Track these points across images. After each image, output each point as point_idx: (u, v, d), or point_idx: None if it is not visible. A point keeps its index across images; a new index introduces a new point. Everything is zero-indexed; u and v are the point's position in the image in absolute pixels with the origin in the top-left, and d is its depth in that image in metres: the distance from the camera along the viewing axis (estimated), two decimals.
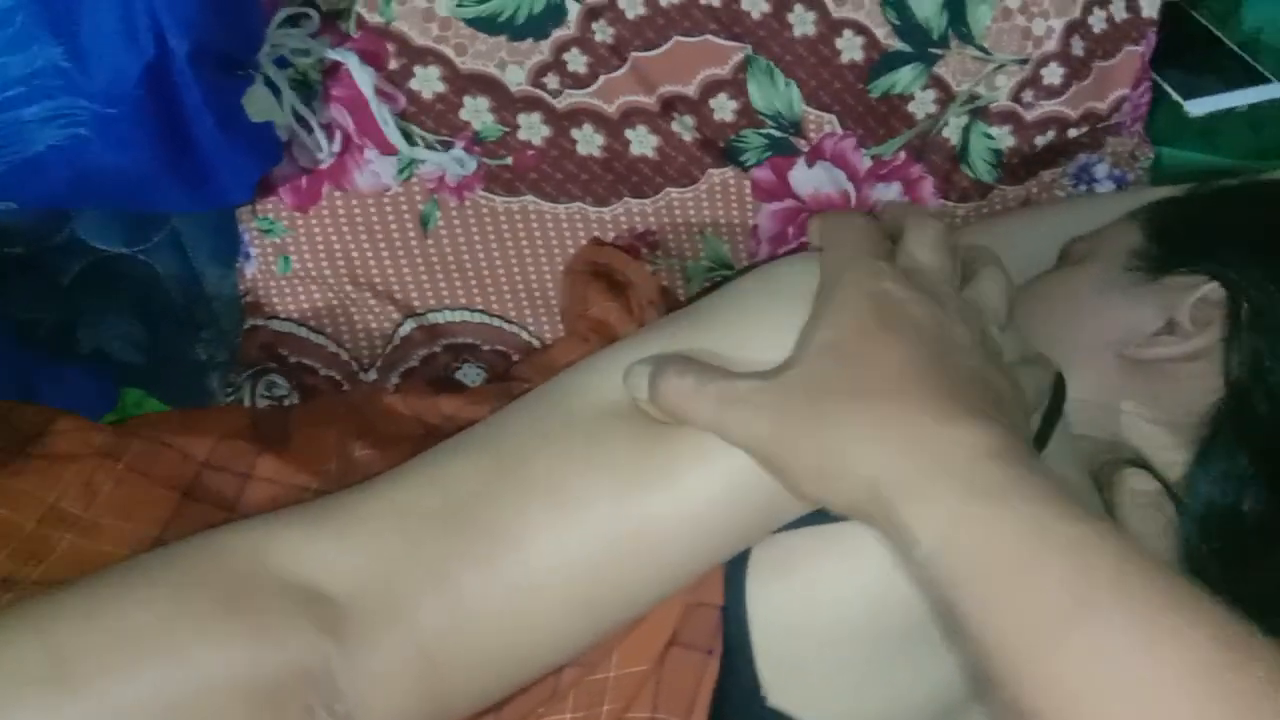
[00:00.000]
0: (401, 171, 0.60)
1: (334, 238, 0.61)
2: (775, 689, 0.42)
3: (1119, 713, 0.30)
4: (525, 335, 0.64)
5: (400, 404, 0.52)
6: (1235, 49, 0.73)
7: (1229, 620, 0.31)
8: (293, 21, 0.58)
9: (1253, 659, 0.29)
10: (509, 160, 0.60)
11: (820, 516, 0.41)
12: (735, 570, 0.42)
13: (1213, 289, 0.47)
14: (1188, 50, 0.72)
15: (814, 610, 0.41)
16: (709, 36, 0.60)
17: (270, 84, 0.56)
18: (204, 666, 0.35)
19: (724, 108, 0.62)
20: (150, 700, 0.34)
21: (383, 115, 0.58)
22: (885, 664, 0.42)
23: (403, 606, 0.38)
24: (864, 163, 0.64)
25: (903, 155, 0.65)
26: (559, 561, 0.39)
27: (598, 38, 0.59)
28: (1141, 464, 0.48)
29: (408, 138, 0.59)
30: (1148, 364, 0.48)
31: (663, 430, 0.40)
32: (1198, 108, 0.70)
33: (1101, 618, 0.31)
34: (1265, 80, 0.71)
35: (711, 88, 0.61)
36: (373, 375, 0.62)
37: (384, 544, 0.38)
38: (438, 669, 0.38)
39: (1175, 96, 0.70)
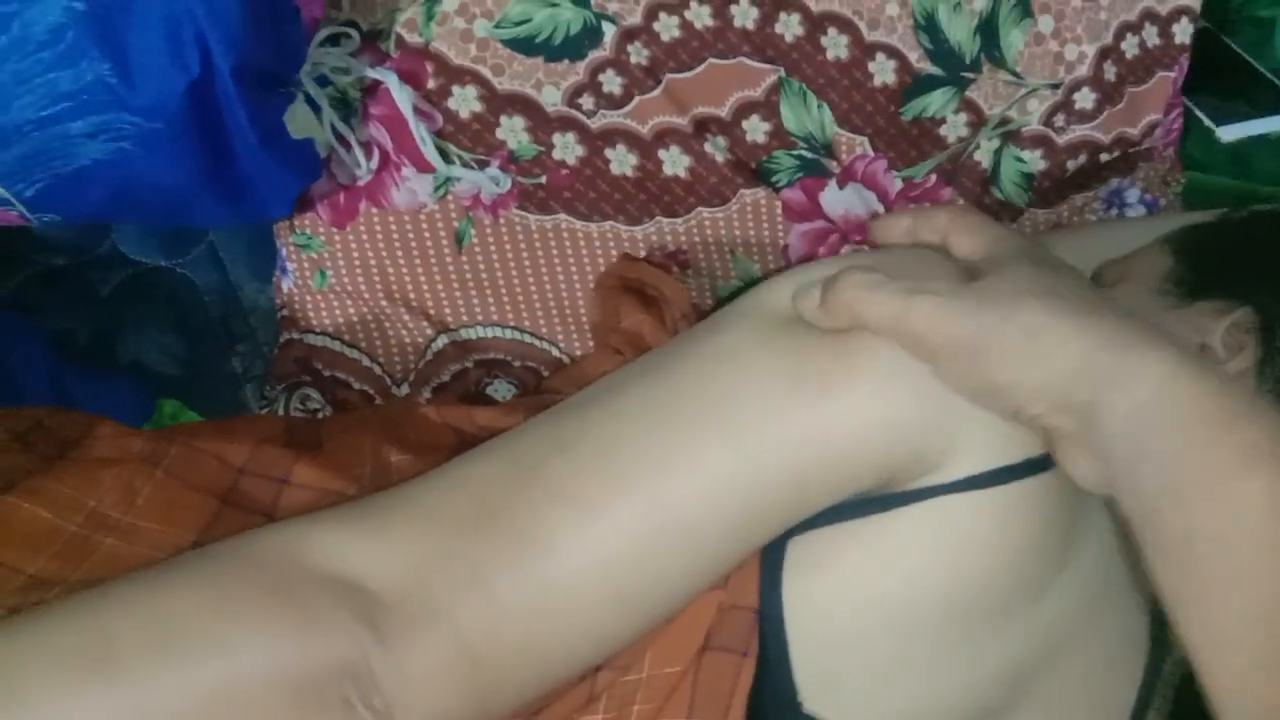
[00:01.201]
0: (438, 189, 0.61)
1: (370, 254, 0.61)
2: (811, 695, 0.42)
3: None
4: (556, 352, 0.64)
5: (434, 414, 0.52)
6: (1269, 75, 0.73)
7: None
8: (334, 41, 0.59)
9: None
10: (543, 179, 0.61)
11: (849, 511, 0.41)
12: (770, 571, 0.42)
13: (1245, 314, 0.47)
14: (1220, 76, 0.72)
15: (851, 606, 0.42)
16: (742, 59, 0.61)
17: (311, 102, 0.57)
18: (247, 654, 0.36)
19: (756, 129, 0.62)
20: (194, 685, 0.35)
21: (420, 134, 0.59)
22: (922, 661, 0.42)
23: (441, 606, 0.38)
24: (895, 185, 0.64)
25: (934, 178, 0.65)
26: (587, 560, 0.40)
27: (633, 59, 0.60)
28: None
29: (444, 156, 0.60)
30: None
31: (680, 418, 0.40)
32: (1229, 134, 0.70)
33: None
34: None
35: (744, 109, 0.62)
36: (405, 390, 0.63)
37: (419, 547, 0.39)
38: (477, 667, 0.38)
39: (1207, 122, 0.71)
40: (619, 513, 0.40)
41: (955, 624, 0.41)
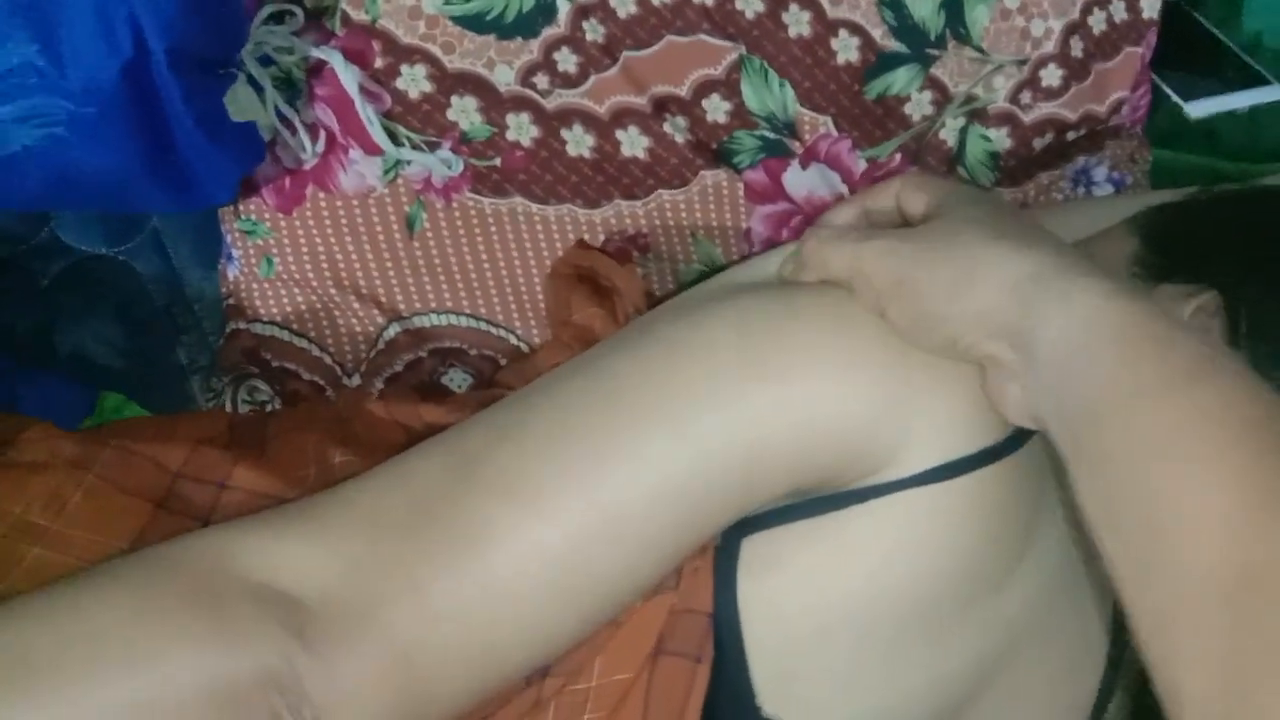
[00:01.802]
0: (387, 172, 0.59)
1: (318, 239, 0.59)
2: (770, 697, 0.41)
3: (1191, 450, 0.34)
4: (514, 339, 0.63)
5: (382, 410, 0.51)
6: (1236, 50, 0.72)
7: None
8: (277, 19, 0.56)
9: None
10: (497, 161, 0.59)
11: (804, 510, 0.40)
12: (724, 574, 0.41)
13: (1211, 297, 0.46)
14: (1188, 52, 0.71)
15: (808, 607, 0.41)
16: (702, 36, 0.59)
17: (253, 82, 0.55)
18: (167, 668, 0.35)
19: (717, 109, 0.61)
20: (111, 702, 0.34)
21: (368, 115, 0.57)
22: (883, 659, 0.42)
23: (373, 611, 0.37)
24: (859, 165, 0.63)
25: (898, 157, 0.64)
26: (527, 556, 0.39)
27: (588, 37, 0.58)
28: None
29: (393, 138, 0.58)
30: None
31: (625, 406, 0.40)
32: (1198, 109, 0.69)
33: (1213, 383, 0.35)
34: (1266, 82, 0.70)
35: (704, 88, 0.60)
36: (356, 380, 0.61)
37: (352, 549, 0.38)
38: (412, 674, 0.37)
39: (1175, 98, 0.70)
40: (560, 508, 0.39)
41: (916, 620, 0.41)
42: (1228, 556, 0.32)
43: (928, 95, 0.62)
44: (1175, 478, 0.34)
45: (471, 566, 0.38)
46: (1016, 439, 0.41)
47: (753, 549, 0.42)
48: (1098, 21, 0.64)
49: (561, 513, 0.39)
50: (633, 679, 0.41)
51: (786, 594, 0.41)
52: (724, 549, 0.42)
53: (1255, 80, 0.70)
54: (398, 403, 0.51)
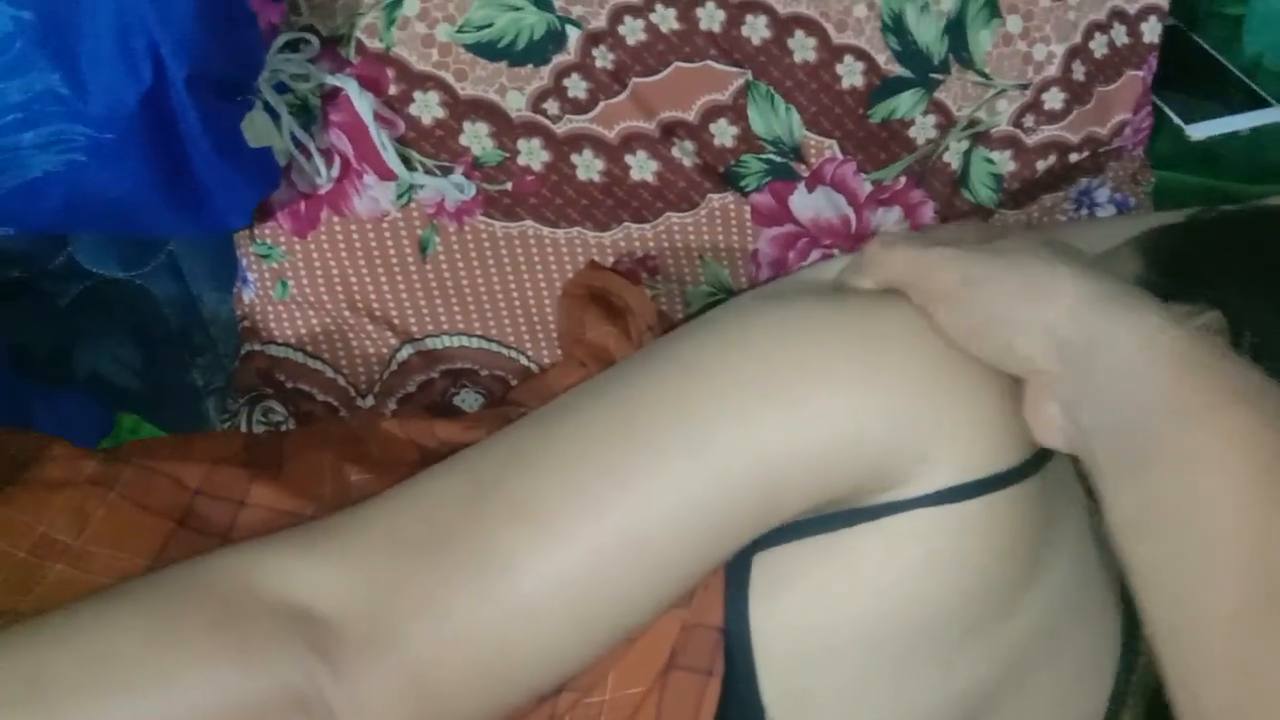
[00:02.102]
0: (400, 197, 0.60)
1: (332, 263, 0.60)
2: (780, 713, 0.42)
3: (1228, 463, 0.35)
4: (524, 360, 0.63)
5: (396, 429, 0.51)
6: (1237, 73, 0.73)
7: None
8: (293, 47, 0.57)
9: None
10: (508, 185, 0.60)
11: (815, 526, 0.41)
12: (736, 589, 0.42)
13: (1213, 318, 0.47)
14: (1189, 74, 0.72)
15: (817, 625, 0.41)
16: (709, 62, 0.60)
17: (269, 109, 0.56)
18: (190, 688, 0.35)
19: (724, 133, 0.61)
20: None
21: (381, 141, 0.58)
22: (891, 679, 0.42)
23: (393, 632, 0.37)
24: (864, 188, 0.64)
25: (903, 180, 0.64)
26: (545, 580, 0.39)
27: (598, 64, 0.59)
28: None
29: (407, 163, 0.59)
30: None
31: (642, 429, 0.40)
32: (1199, 131, 0.70)
33: (1257, 405, 0.36)
34: (1266, 104, 0.71)
35: (712, 113, 0.61)
36: (370, 401, 0.62)
37: (372, 571, 0.38)
38: (431, 693, 0.37)
39: (1176, 120, 0.70)
40: (578, 531, 0.39)
41: (924, 641, 0.41)
42: (1255, 570, 0.33)
43: (932, 119, 0.63)
44: (1214, 490, 0.35)
45: (490, 590, 0.38)
46: (1032, 464, 0.41)
47: (764, 565, 0.42)
48: (1099, 45, 0.65)
49: (580, 538, 0.39)
50: (645, 693, 0.41)
51: (796, 611, 0.41)
52: (735, 564, 0.42)
53: (1256, 102, 0.71)
54: (412, 421, 0.52)
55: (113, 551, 0.40)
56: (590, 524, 0.39)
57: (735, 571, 0.42)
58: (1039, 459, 0.42)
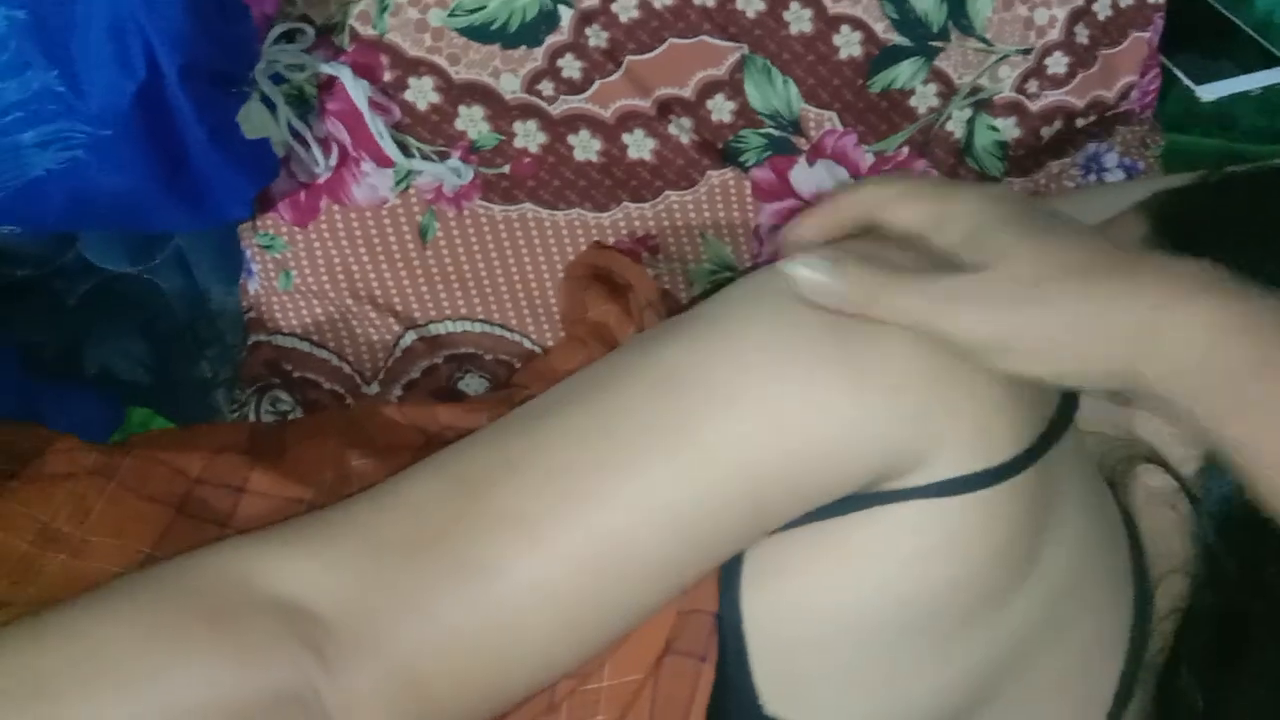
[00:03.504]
0: (399, 183, 0.60)
1: (334, 251, 0.61)
2: (772, 697, 0.41)
3: None
4: (527, 344, 0.63)
5: (398, 414, 0.52)
6: (1248, 31, 0.71)
7: None
8: (288, 37, 0.58)
9: None
10: (506, 169, 0.60)
11: (812, 516, 0.40)
12: (729, 576, 0.41)
13: None
14: (1199, 34, 0.71)
15: (810, 614, 0.41)
16: (704, 37, 0.60)
17: (266, 100, 0.56)
18: (188, 683, 0.35)
19: (721, 108, 0.61)
20: (133, 719, 0.34)
21: (377, 128, 0.58)
22: (884, 667, 0.41)
23: (383, 632, 0.37)
24: (866, 160, 0.63)
25: (905, 151, 0.64)
26: (535, 587, 0.38)
27: (591, 43, 0.59)
28: (1155, 460, 0.47)
29: (404, 149, 0.59)
30: None
31: (625, 438, 0.39)
32: (1209, 93, 0.69)
33: None
34: (1278, 62, 0.69)
35: (708, 89, 0.61)
36: (375, 388, 0.62)
37: (362, 570, 0.38)
38: (422, 693, 0.37)
39: (1186, 81, 0.69)
40: (566, 539, 0.38)
41: (917, 629, 0.40)
42: None
43: (933, 88, 0.63)
44: None
45: (476, 596, 0.38)
46: (1031, 455, 0.40)
47: (757, 552, 0.41)
48: (1102, 7, 0.64)
49: (564, 547, 0.38)
50: (642, 680, 0.41)
51: (788, 599, 0.41)
52: None
53: (1268, 61, 0.70)
54: (413, 407, 0.52)
55: (113, 540, 0.41)
56: (574, 533, 0.39)
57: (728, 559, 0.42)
58: (1039, 449, 0.41)
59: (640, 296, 0.55)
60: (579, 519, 0.38)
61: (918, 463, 0.39)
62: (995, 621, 0.41)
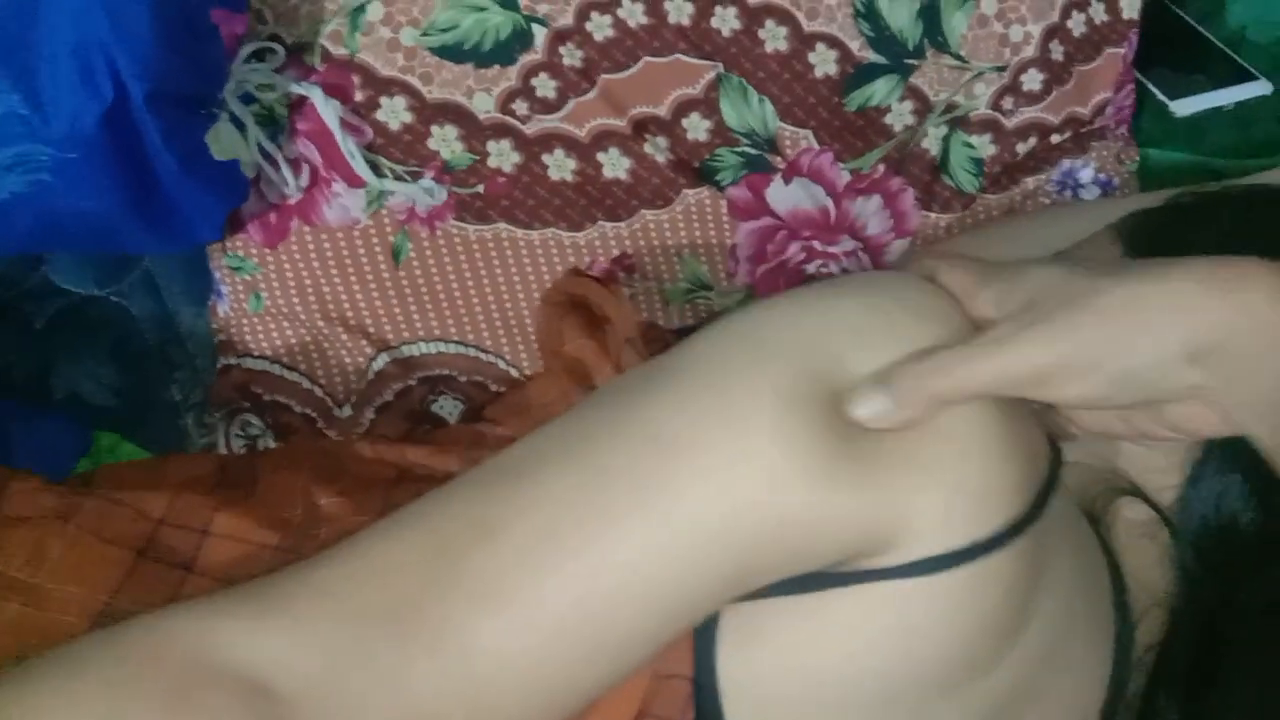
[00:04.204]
0: (370, 204, 0.59)
1: (304, 273, 0.60)
2: None
3: None
4: (502, 364, 0.63)
5: (368, 450, 0.51)
6: (1220, 46, 0.72)
7: None
8: (258, 56, 0.57)
9: None
10: (480, 188, 0.60)
11: (788, 587, 0.40)
12: (704, 640, 0.41)
13: None
14: (1172, 49, 0.71)
15: (787, 681, 0.40)
16: (679, 56, 0.59)
17: (235, 120, 0.56)
18: None
19: (697, 127, 0.61)
20: None
21: (349, 148, 0.57)
22: None
23: (351, 708, 0.36)
24: (842, 177, 0.63)
25: (881, 168, 0.64)
26: (508, 659, 0.37)
27: (566, 61, 0.58)
28: (1134, 492, 0.46)
29: (375, 170, 0.58)
30: None
31: (604, 504, 0.38)
32: (1183, 108, 0.69)
33: None
34: (1252, 77, 0.70)
35: (683, 107, 0.60)
36: (347, 411, 0.62)
37: (332, 642, 0.37)
38: None
39: (1161, 97, 0.69)
40: (542, 610, 0.37)
41: (896, 701, 0.40)
42: None
43: (908, 105, 0.62)
44: None
45: (449, 671, 0.37)
46: (1023, 522, 0.40)
47: (732, 618, 0.41)
48: (1077, 24, 0.64)
49: (542, 618, 0.37)
50: None
51: (763, 666, 0.40)
52: None
53: (1241, 76, 0.70)
54: (384, 444, 0.51)
55: (72, 587, 0.40)
56: (551, 604, 0.38)
57: (705, 623, 0.41)
58: (1032, 515, 0.40)
59: (619, 332, 0.55)
60: (556, 589, 0.37)
61: (902, 537, 0.38)
62: (978, 689, 0.41)
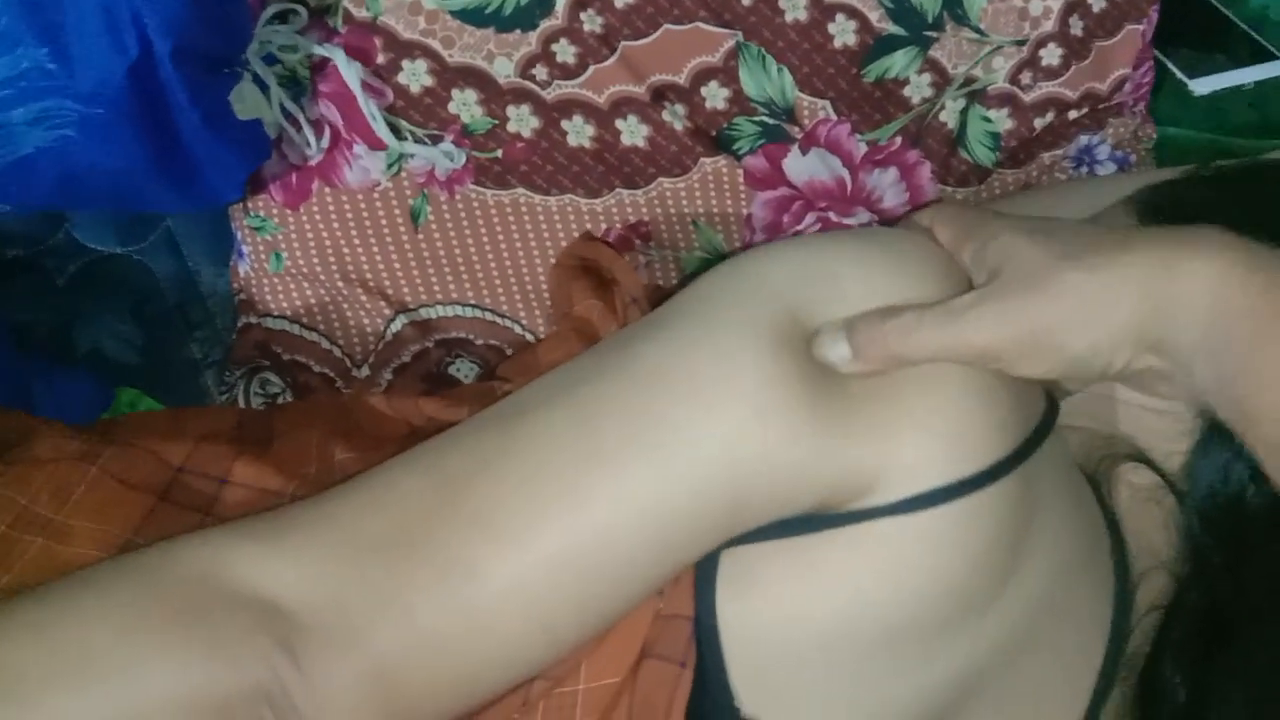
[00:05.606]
0: (390, 166, 0.60)
1: (325, 234, 0.60)
2: (750, 700, 0.42)
3: None
4: (518, 329, 0.63)
5: (384, 405, 0.51)
6: (1242, 25, 0.72)
7: None
8: (281, 18, 0.57)
9: None
10: (499, 153, 0.60)
11: (779, 530, 0.40)
12: (704, 581, 0.41)
13: None
14: (1193, 28, 0.71)
15: (785, 624, 0.41)
16: (699, 24, 0.59)
17: (258, 81, 0.56)
18: (157, 682, 0.35)
19: (715, 96, 0.61)
20: (101, 715, 0.34)
21: (370, 110, 0.58)
22: (863, 672, 0.41)
23: (357, 630, 0.37)
24: (859, 149, 0.63)
25: (899, 140, 0.64)
26: (511, 588, 0.38)
27: (586, 27, 0.58)
28: (1139, 457, 0.47)
29: (396, 132, 0.59)
30: None
31: (602, 438, 0.39)
32: (1203, 86, 0.69)
33: None
34: (1272, 57, 0.69)
35: (702, 75, 0.61)
36: (365, 371, 0.62)
37: (337, 568, 0.38)
38: (394, 691, 0.37)
39: (1180, 75, 0.69)
40: (543, 540, 0.38)
41: (894, 642, 0.41)
42: None
43: (927, 77, 0.63)
44: None
45: (453, 594, 0.38)
46: (1009, 461, 0.41)
47: (731, 562, 0.42)
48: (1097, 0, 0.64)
49: (543, 548, 0.38)
50: (621, 684, 0.41)
51: (761, 608, 0.41)
52: (704, 559, 0.42)
53: (1261, 55, 0.70)
54: (399, 398, 0.52)
55: (94, 524, 0.41)
56: (551, 535, 0.39)
57: (703, 565, 0.42)
58: (1020, 455, 0.41)
59: (625, 292, 0.55)
60: (556, 520, 0.38)
61: (892, 474, 0.39)
62: (975, 626, 0.41)
